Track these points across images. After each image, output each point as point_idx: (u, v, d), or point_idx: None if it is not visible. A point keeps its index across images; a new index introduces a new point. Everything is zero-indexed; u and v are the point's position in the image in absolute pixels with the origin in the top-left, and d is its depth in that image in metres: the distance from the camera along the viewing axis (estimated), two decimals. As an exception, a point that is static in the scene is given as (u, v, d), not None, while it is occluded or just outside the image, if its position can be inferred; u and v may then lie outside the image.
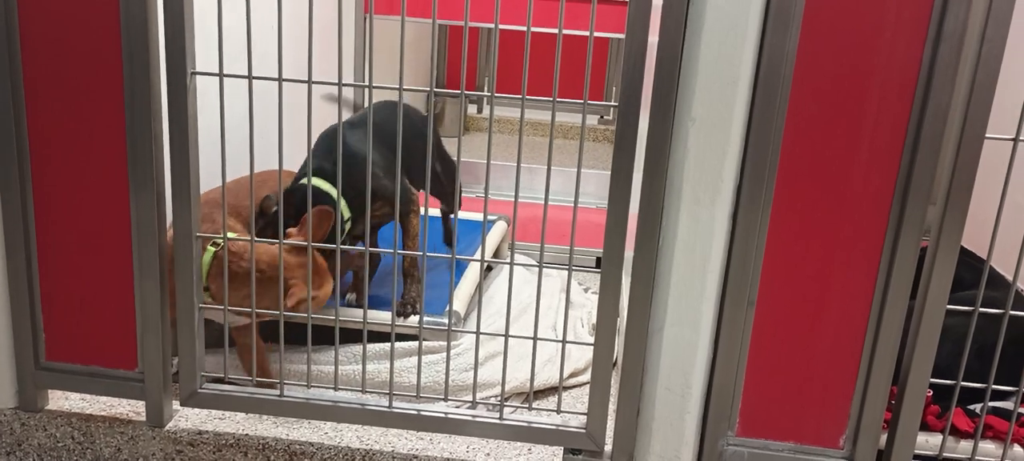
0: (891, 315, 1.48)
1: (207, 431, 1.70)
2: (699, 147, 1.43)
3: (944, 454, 1.62)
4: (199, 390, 1.67)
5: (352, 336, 1.94)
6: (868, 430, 1.55)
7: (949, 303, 1.47)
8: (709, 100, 1.40)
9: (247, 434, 1.70)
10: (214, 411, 1.75)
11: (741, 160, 1.43)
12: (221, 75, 1.51)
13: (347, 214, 1.85)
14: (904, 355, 1.52)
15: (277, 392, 1.67)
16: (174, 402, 1.73)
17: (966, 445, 1.64)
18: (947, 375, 1.57)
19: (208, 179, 1.66)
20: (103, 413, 1.74)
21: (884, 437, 1.58)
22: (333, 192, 1.81)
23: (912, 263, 1.45)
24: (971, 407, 1.71)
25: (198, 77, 1.52)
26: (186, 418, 1.73)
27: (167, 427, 1.70)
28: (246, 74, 1.50)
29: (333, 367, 1.86)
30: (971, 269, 1.95)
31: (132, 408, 1.75)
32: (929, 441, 1.63)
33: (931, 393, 1.62)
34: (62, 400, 1.78)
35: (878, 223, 1.44)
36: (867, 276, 1.47)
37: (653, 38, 1.41)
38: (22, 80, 1.53)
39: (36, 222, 1.61)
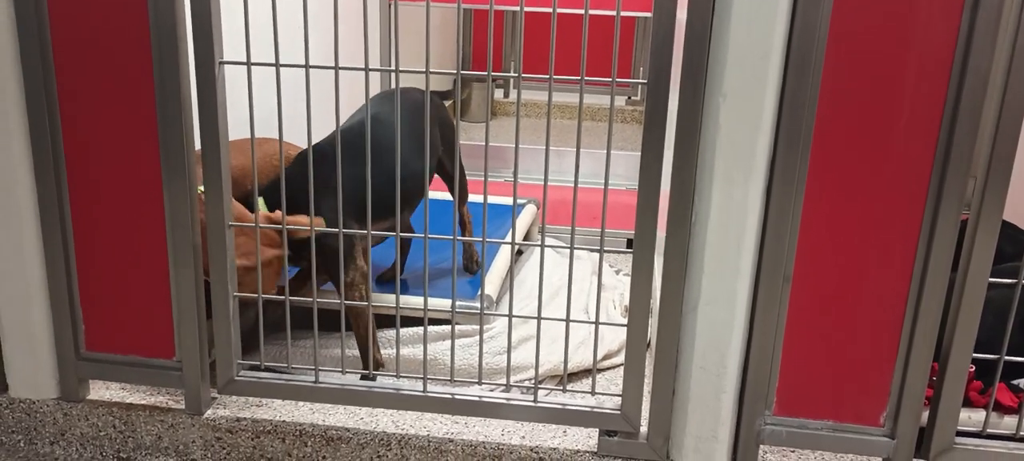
0: (932, 289, 1.45)
1: (245, 418, 1.72)
2: (731, 123, 1.41)
3: (988, 430, 1.59)
4: (236, 378, 1.69)
5: (385, 321, 1.95)
6: (909, 407, 1.52)
7: (991, 276, 1.44)
8: (740, 75, 1.38)
9: (284, 420, 1.72)
10: (251, 398, 1.77)
11: (774, 135, 1.41)
12: (248, 63, 1.51)
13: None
14: (945, 330, 1.49)
15: (313, 379, 1.68)
16: (212, 390, 1.75)
17: (1010, 421, 1.61)
18: (989, 349, 1.54)
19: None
20: (143, 402, 1.76)
21: (926, 414, 1.55)
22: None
23: (953, 235, 1.42)
24: (1015, 382, 1.67)
25: (226, 66, 1.53)
26: (224, 405, 1.75)
27: (206, 415, 1.72)
28: (273, 62, 1.51)
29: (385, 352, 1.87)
30: (1013, 241, 1.91)
31: (171, 397, 1.78)
32: (972, 417, 1.60)
33: (973, 368, 1.59)
34: (103, 390, 1.81)
35: (917, 195, 1.41)
36: (906, 250, 1.44)
37: (681, 15, 1.38)
38: (54, 75, 1.55)
39: (72, 215, 1.63)
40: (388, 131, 1.87)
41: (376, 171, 1.69)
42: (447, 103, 2.32)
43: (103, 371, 1.75)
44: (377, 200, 1.67)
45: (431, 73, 1.51)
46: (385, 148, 1.81)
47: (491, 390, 1.72)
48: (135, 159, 1.58)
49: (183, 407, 1.73)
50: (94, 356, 1.73)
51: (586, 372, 1.99)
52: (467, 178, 2.34)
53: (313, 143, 1.59)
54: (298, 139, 1.72)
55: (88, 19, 1.52)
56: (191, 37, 1.50)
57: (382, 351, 1.94)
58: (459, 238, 1.66)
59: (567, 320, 1.61)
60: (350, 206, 1.73)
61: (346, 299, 1.76)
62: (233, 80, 1.56)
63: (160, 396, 1.78)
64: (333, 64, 1.50)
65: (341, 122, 1.89)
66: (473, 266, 2.33)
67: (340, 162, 1.57)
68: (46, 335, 1.71)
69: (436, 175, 2.16)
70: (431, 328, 1.96)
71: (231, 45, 1.54)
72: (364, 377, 1.76)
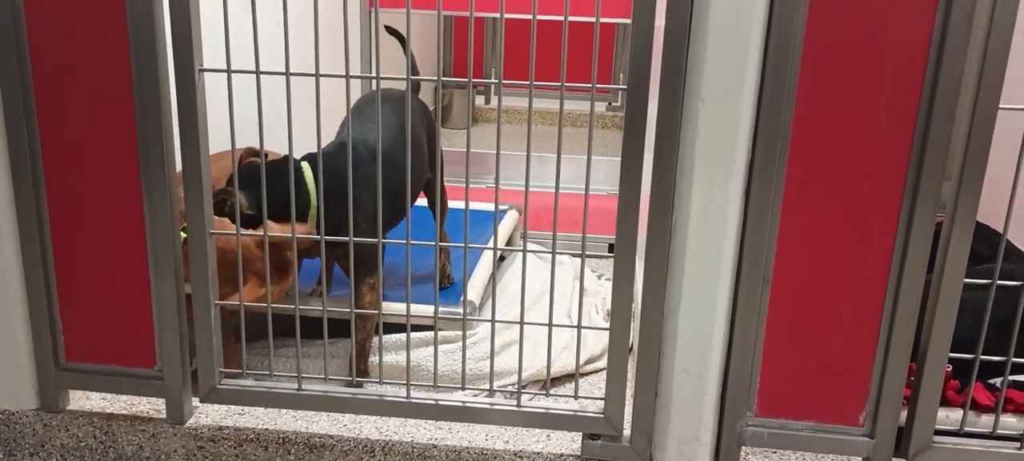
0: (908, 290, 1.47)
1: (227, 426, 1.71)
2: (710, 127, 1.42)
3: (965, 428, 1.61)
4: (218, 386, 1.68)
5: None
6: (888, 407, 1.54)
7: (966, 277, 1.46)
8: (718, 79, 1.40)
9: (267, 428, 1.71)
10: (233, 406, 1.76)
11: (753, 138, 1.42)
12: (229, 71, 1.51)
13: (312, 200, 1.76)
14: (922, 331, 1.51)
15: (296, 386, 1.67)
16: (194, 399, 1.74)
17: (987, 419, 1.63)
18: (966, 349, 1.56)
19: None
20: (124, 412, 1.75)
21: (904, 413, 1.57)
22: (309, 179, 1.75)
23: (928, 237, 1.44)
24: (991, 381, 1.70)
25: (206, 74, 1.52)
26: (206, 414, 1.74)
27: (188, 424, 1.71)
28: (253, 69, 1.51)
29: (349, 359, 1.87)
30: (987, 242, 1.93)
31: (152, 406, 1.77)
32: (950, 416, 1.62)
33: (950, 368, 1.61)
34: (83, 400, 1.79)
35: (893, 197, 1.43)
36: (883, 251, 1.46)
37: (660, 22, 1.40)
38: (32, 84, 1.54)
39: (51, 224, 1.62)
40: (387, 143, 1.86)
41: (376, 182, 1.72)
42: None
43: (83, 381, 1.73)
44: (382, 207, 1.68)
45: (413, 80, 1.51)
46: (386, 161, 1.79)
47: (474, 395, 1.73)
48: (114, 167, 1.57)
49: (165, 416, 1.72)
50: (74, 366, 1.71)
51: (569, 376, 2.00)
52: (446, 185, 2.32)
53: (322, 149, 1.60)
54: (280, 147, 1.72)
55: (66, 27, 1.51)
56: (170, 45, 1.49)
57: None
58: (422, 243, 1.67)
59: (550, 325, 1.62)
60: (360, 211, 1.75)
61: (364, 302, 1.79)
62: (213, 88, 1.56)
63: (141, 406, 1.77)
64: (314, 71, 1.51)
65: (342, 127, 1.90)
66: (444, 281, 2.29)
67: (348, 168, 1.60)
68: (25, 345, 1.69)
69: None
70: (414, 334, 1.96)
71: (211, 52, 1.53)
72: (350, 384, 1.76)
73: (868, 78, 1.38)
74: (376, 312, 1.78)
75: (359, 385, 1.78)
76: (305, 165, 1.77)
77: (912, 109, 1.38)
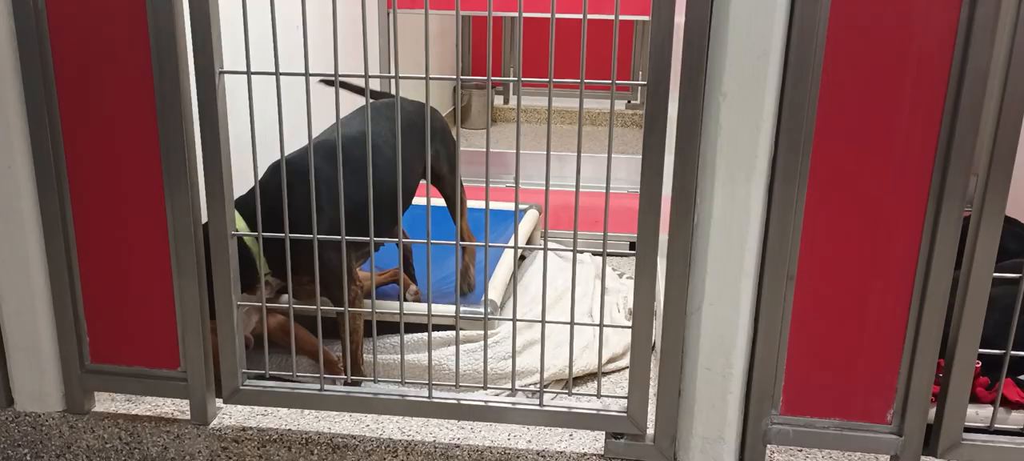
0: (936, 286, 1.44)
1: (251, 427, 1.72)
2: (731, 123, 1.41)
3: (995, 425, 1.59)
4: (241, 387, 1.68)
5: (389, 327, 1.95)
6: (916, 404, 1.52)
7: (995, 272, 1.44)
8: (740, 74, 1.38)
9: (290, 429, 1.71)
10: (256, 407, 1.77)
11: (775, 134, 1.41)
12: (248, 73, 1.52)
13: (266, 269, 1.78)
14: (951, 327, 1.49)
15: (318, 386, 1.68)
16: (217, 399, 1.75)
17: (1018, 416, 1.61)
18: (995, 345, 1.54)
19: (239, 178, 1.66)
20: (149, 413, 1.76)
21: (933, 411, 1.55)
22: (251, 248, 1.74)
23: (955, 232, 1.41)
24: (1022, 377, 1.67)
25: (226, 76, 1.53)
26: (230, 415, 1.75)
27: (211, 425, 1.72)
28: (273, 71, 1.51)
29: (371, 359, 1.87)
30: (1016, 237, 1.91)
31: (177, 407, 1.78)
32: (979, 413, 1.60)
33: (980, 364, 1.58)
34: (108, 402, 1.81)
35: (919, 192, 1.41)
36: (910, 247, 1.44)
37: (679, 19, 1.39)
38: (55, 88, 1.56)
39: (75, 227, 1.64)
40: (364, 144, 1.78)
41: (355, 184, 1.70)
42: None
43: (108, 382, 1.75)
44: (359, 214, 1.65)
45: (431, 79, 1.51)
46: (361, 162, 1.67)
47: (496, 395, 1.72)
48: (137, 170, 1.58)
49: (189, 417, 1.73)
50: (99, 368, 1.73)
51: (591, 375, 1.99)
52: (466, 185, 2.32)
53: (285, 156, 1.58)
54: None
55: (88, 31, 1.52)
56: (191, 47, 1.50)
57: (387, 356, 1.94)
58: (443, 242, 1.66)
59: (571, 323, 1.61)
60: (335, 223, 1.66)
61: (347, 317, 1.75)
62: (233, 90, 1.57)
63: (165, 407, 1.78)
64: (333, 72, 1.51)
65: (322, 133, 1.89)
66: (464, 287, 2.28)
67: (327, 177, 1.58)
68: (51, 348, 1.71)
69: (435, 189, 2.12)
70: (435, 334, 1.96)
71: (231, 55, 1.54)
72: (348, 383, 1.76)
73: (892, 73, 1.36)
74: (366, 310, 1.77)
75: (357, 384, 1.78)
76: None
77: (938, 103, 1.36)
